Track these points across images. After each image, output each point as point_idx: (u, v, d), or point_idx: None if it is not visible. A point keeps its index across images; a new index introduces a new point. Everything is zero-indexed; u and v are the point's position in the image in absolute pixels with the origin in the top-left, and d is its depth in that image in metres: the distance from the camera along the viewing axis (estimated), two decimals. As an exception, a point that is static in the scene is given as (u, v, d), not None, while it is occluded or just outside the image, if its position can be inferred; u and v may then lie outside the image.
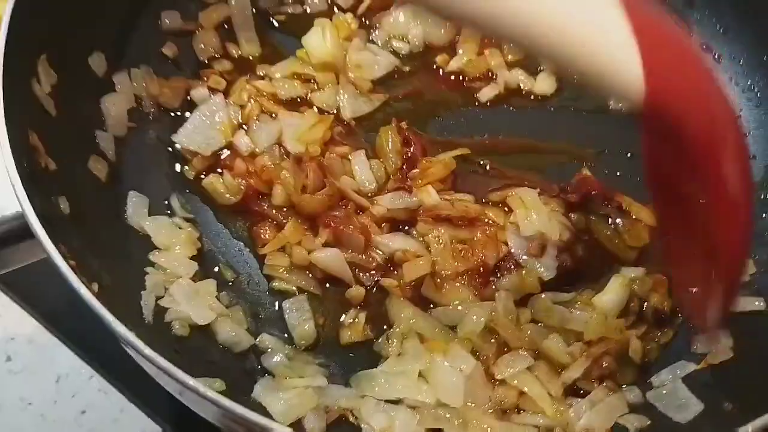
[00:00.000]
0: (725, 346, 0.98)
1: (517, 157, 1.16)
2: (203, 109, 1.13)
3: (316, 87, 1.18)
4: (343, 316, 1.02)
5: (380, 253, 1.03)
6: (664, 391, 0.95)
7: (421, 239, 1.04)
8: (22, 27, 0.89)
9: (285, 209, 1.07)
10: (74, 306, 0.77)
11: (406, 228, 1.07)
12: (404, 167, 1.10)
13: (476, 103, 1.21)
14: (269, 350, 0.97)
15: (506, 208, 1.08)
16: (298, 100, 1.18)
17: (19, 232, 0.80)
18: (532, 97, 1.22)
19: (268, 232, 1.06)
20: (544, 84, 1.22)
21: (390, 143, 1.11)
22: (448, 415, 0.88)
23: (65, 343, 1.11)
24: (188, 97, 1.16)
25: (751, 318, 1.01)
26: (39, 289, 1.13)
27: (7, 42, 0.85)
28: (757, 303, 1.02)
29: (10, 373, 1.10)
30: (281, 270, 1.04)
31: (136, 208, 1.03)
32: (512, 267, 1.01)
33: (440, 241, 1.02)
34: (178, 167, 1.12)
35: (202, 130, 1.11)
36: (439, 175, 1.09)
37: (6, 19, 0.86)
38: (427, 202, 1.05)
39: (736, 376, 0.95)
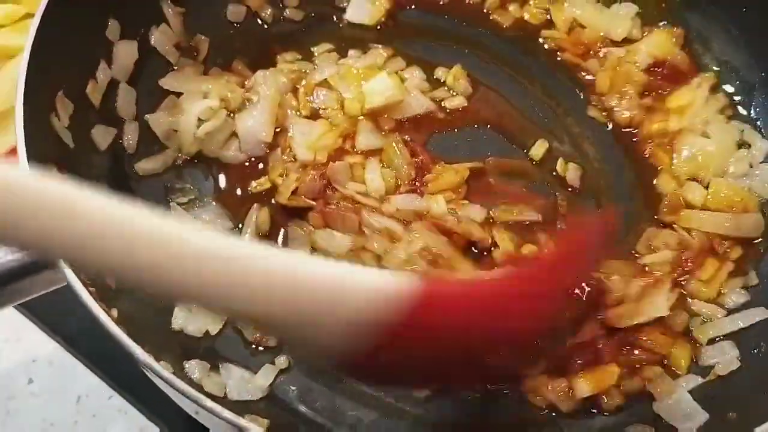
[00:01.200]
0: (732, 357, 1.00)
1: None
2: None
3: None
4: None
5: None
6: (670, 402, 0.96)
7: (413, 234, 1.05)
8: (41, 68, 0.92)
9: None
10: (93, 328, 0.80)
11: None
12: (416, 176, 1.12)
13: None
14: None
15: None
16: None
17: (42, 260, 0.82)
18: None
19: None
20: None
21: (399, 153, 1.13)
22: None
23: (85, 364, 1.15)
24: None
25: (755, 328, 1.02)
26: (58, 312, 1.16)
27: (26, 83, 0.88)
28: (762, 313, 1.03)
29: (32, 395, 1.13)
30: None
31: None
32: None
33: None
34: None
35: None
36: (452, 182, 1.11)
37: (25, 61, 0.89)
38: (434, 210, 1.07)
39: (740, 385, 0.97)
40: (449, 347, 0.70)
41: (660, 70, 1.23)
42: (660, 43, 1.25)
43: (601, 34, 1.27)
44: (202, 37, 1.25)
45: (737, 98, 1.23)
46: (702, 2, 1.27)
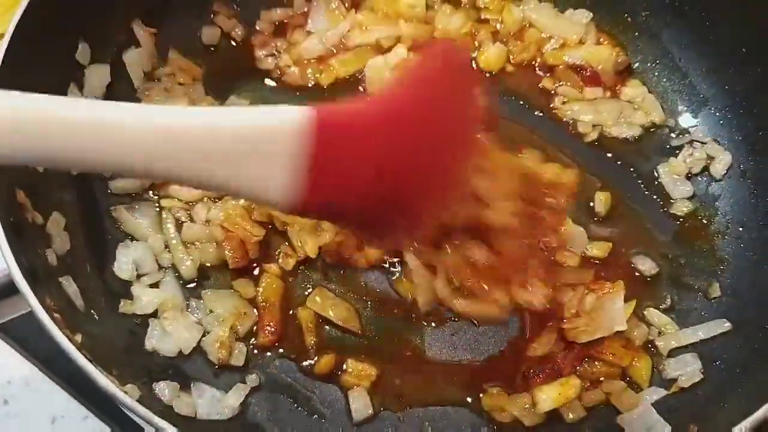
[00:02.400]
0: (695, 369, 1.01)
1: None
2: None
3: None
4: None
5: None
6: (634, 415, 0.98)
7: None
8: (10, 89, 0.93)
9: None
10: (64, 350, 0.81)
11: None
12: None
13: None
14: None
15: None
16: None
17: (7, 287, 0.84)
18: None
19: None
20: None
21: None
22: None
23: (60, 386, 1.15)
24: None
25: (716, 340, 1.04)
26: (34, 334, 1.16)
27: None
28: (725, 325, 1.05)
29: (8, 416, 1.13)
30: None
31: (123, 260, 1.07)
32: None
33: None
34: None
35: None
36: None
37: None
38: None
39: (702, 397, 0.98)
40: (373, 165, 0.74)
41: (583, 72, 1.28)
42: (599, 54, 1.30)
43: (553, 37, 1.32)
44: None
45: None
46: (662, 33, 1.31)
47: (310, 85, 1.27)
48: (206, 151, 0.67)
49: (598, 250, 1.12)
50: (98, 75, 1.15)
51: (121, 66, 1.19)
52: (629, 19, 1.32)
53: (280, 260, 1.10)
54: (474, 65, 1.29)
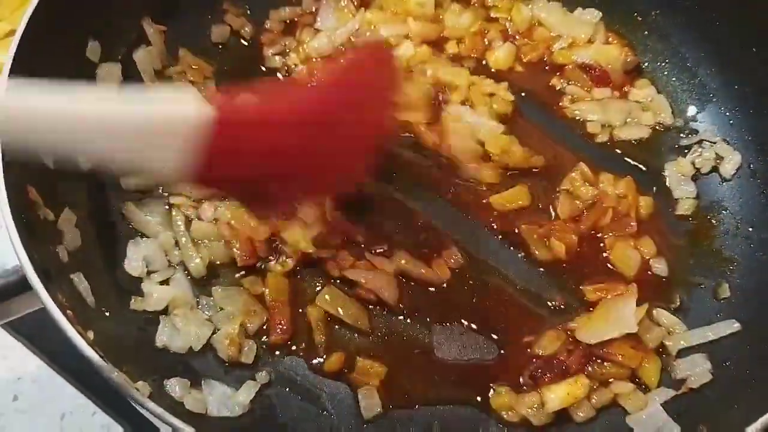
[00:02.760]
0: (704, 370, 1.01)
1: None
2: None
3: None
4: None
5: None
6: (643, 416, 0.98)
7: None
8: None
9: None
10: (77, 346, 0.82)
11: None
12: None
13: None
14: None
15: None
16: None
17: (20, 284, 0.84)
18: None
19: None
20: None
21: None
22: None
23: (69, 382, 1.16)
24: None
25: (726, 340, 1.04)
26: (43, 331, 1.17)
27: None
28: (735, 326, 1.05)
29: (18, 412, 1.14)
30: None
31: (133, 257, 1.08)
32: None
33: None
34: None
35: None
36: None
37: (4, 79, 0.91)
38: None
39: (712, 398, 0.98)
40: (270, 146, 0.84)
41: (592, 72, 1.28)
42: (608, 54, 1.30)
43: (562, 36, 1.32)
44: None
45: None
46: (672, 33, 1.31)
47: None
48: (114, 137, 0.75)
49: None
50: (109, 73, 1.15)
51: (132, 64, 1.20)
52: (639, 19, 1.32)
53: (281, 260, 1.09)
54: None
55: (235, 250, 1.09)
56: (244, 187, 0.89)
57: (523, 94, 1.26)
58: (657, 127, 1.25)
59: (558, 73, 1.29)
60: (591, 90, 1.28)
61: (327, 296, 1.07)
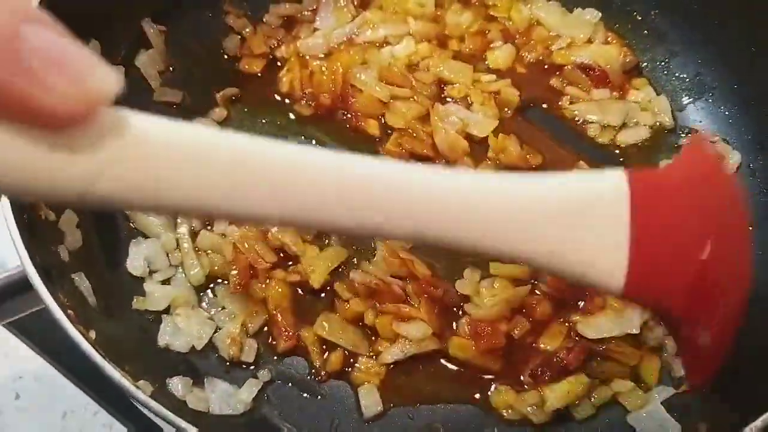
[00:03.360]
0: None
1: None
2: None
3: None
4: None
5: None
6: (643, 414, 0.98)
7: None
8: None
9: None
10: (79, 345, 0.82)
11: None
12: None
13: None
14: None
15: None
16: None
17: (22, 284, 0.84)
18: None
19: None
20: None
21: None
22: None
23: (71, 380, 1.16)
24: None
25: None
26: (45, 329, 1.17)
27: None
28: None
29: (19, 411, 1.15)
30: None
31: (135, 257, 1.08)
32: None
33: None
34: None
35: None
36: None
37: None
38: None
39: (711, 397, 0.98)
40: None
41: (591, 72, 1.27)
42: (607, 54, 1.29)
43: (561, 36, 1.31)
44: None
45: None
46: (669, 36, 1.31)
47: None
48: (525, 221, 0.58)
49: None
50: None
51: (134, 68, 1.20)
52: (638, 18, 1.32)
53: (288, 270, 1.08)
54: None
55: (231, 273, 1.06)
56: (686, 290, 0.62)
57: (521, 93, 1.26)
58: (656, 127, 1.25)
59: (557, 73, 1.29)
60: (590, 91, 1.27)
61: (324, 323, 1.04)
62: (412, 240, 0.60)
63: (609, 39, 1.32)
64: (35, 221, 0.93)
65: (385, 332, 1.03)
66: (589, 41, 1.31)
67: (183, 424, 0.76)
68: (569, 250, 0.60)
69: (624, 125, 1.25)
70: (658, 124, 1.26)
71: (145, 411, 0.84)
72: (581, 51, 1.29)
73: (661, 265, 0.62)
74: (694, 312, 0.65)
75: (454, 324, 1.04)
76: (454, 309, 1.06)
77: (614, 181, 0.61)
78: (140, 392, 0.78)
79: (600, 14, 1.32)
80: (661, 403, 0.99)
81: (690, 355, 0.74)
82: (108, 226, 1.09)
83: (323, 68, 1.23)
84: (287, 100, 1.25)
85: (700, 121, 1.25)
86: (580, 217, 0.59)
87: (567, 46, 1.30)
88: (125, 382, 0.77)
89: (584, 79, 1.27)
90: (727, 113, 1.23)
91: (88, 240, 1.03)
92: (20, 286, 0.84)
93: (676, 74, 1.29)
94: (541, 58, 1.30)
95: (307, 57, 1.26)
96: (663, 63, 1.31)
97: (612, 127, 1.25)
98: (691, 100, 1.28)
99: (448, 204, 0.57)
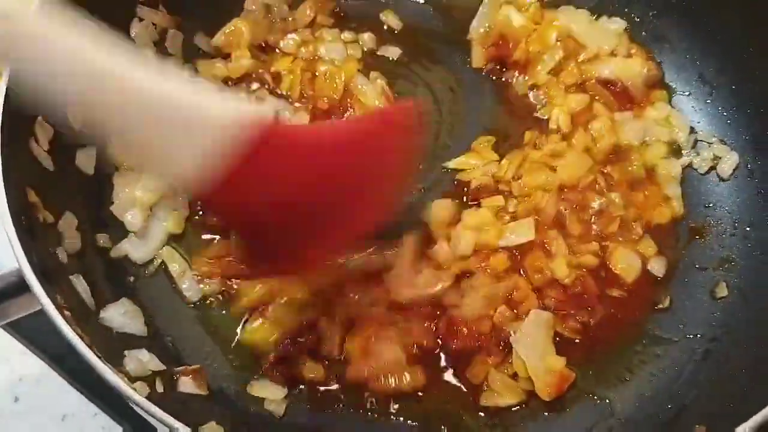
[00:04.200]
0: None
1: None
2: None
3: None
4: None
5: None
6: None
7: None
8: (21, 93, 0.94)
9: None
10: (75, 347, 0.82)
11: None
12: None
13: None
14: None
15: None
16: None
17: (19, 285, 0.85)
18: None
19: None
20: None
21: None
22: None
23: (70, 383, 1.16)
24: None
25: (723, 340, 1.05)
26: (44, 332, 1.17)
27: (4, 110, 0.90)
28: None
29: (19, 414, 1.15)
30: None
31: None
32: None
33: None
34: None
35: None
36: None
37: (3, 86, 0.91)
38: None
39: (707, 397, 0.99)
40: (302, 190, 0.77)
41: (613, 87, 1.26)
42: (629, 68, 1.27)
43: (586, 47, 1.29)
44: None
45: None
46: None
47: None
48: (142, 108, 0.68)
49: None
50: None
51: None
52: (636, 20, 1.31)
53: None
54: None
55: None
56: (256, 222, 0.79)
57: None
58: (672, 144, 1.23)
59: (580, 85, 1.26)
60: (613, 111, 1.24)
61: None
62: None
63: (632, 51, 1.29)
64: (34, 223, 0.94)
65: (355, 352, 1.03)
66: (613, 54, 1.28)
67: (177, 424, 0.76)
68: (167, 147, 0.71)
69: (644, 143, 1.22)
70: (673, 141, 1.23)
71: (141, 412, 0.84)
72: (605, 64, 1.27)
73: (248, 190, 0.73)
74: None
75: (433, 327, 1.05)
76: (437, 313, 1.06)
77: (232, 106, 0.73)
78: (136, 393, 0.78)
79: (625, 24, 1.30)
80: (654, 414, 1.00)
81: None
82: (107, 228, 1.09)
83: (326, 74, 1.23)
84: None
85: (699, 122, 1.25)
86: (186, 119, 0.70)
87: (592, 58, 1.27)
88: (121, 384, 0.77)
89: (607, 94, 1.25)
90: (725, 114, 1.23)
91: (86, 241, 1.03)
92: (18, 287, 0.84)
93: (675, 76, 1.29)
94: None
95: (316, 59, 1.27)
96: (662, 65, 1.30)
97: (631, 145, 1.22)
98: (689, 100, 1.27)
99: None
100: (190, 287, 1.09)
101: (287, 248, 0.84)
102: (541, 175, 1.16)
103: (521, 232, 1.10)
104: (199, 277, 1.09)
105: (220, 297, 1.09)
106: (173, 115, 0.70)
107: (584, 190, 1.15)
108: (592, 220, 1.13)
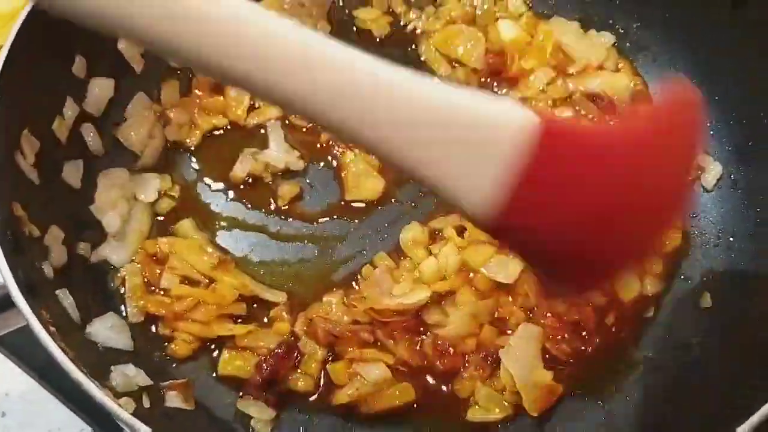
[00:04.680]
0: None
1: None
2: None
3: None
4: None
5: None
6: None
7: None
8: (7, 106, 0.95)
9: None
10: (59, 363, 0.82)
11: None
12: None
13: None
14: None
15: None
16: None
17: (3, 300, 0.84)
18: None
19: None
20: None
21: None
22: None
23: (58, 398, 1.16)
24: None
25: (711, 349, 1.05)
26: (31, 346, 1.16)
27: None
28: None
29: (5, 429, 1.14)
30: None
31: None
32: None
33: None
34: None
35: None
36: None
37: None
38: None
39: (702, 399, 0.99)
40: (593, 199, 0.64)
41: (599, 102, 1.26)
42: (616, 83, 1.28)
43: (578, 59, 1.29)
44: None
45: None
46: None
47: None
48: (422, 125, 0.59)
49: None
50: (102, 88, 1.15)
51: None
52: (621, 31, 1.32)
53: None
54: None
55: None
56: (561, 240, 0.65)
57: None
58: None
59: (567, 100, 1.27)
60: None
61: None
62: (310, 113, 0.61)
63: (620, 66, 1.30)
64: (19, 237, 0.93)
65: (340, 378, 1.02)
66: (601, 67, 1.29)
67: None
68: (443, 157, 0.60)
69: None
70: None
71: (127, 429, 0.84)
72: (593, 78, 1.27)
73: (542, 211, 0.62)
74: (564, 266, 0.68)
75: (418, 344, 1.04)
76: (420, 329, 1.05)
77: (519, 116, 0.61)
78: (122, 409, 0.77)
79: (614, 38, 1.31)
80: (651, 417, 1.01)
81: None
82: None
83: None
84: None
85: (682, 133, 1.26)
86: (463, 132, 0.60)
87: (581, 71, 1.28)
88: (107, 400, 0.77)
89: (592, 107, 1.25)
90: (708, 125, 1.24)
91: (72, 256, 1.03)
92: (2, 303, 0.84)
93: (659, 86, 1.29)
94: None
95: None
96: (643, 75, 1.31)
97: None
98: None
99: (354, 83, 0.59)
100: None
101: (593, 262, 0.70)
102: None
103: (501, 272, 1.06)
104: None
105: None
106: (466, 126, 0.60)
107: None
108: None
